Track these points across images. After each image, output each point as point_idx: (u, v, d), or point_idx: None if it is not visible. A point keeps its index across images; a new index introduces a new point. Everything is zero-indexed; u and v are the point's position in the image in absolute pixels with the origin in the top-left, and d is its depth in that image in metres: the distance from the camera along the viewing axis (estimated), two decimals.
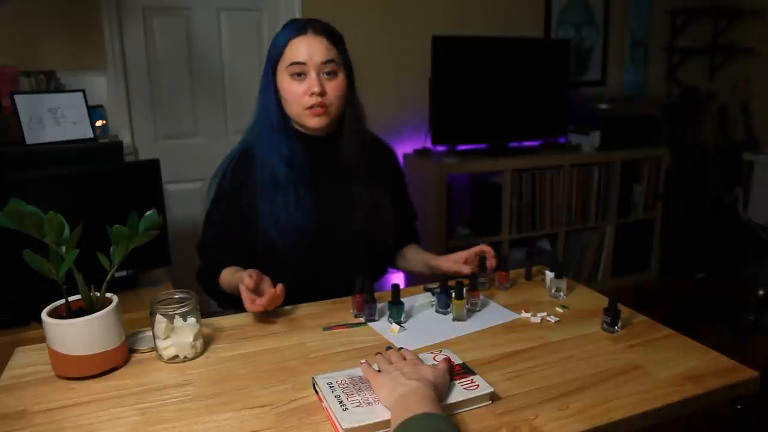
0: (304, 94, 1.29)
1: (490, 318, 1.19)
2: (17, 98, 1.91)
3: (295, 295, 1.27)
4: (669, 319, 1.23)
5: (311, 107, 1.29)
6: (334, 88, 1.30)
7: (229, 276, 1.31)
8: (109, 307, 0.98)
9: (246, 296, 1.11)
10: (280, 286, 1.14)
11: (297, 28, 1.30)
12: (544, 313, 1.20)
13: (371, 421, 0.80)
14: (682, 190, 3.71)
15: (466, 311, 1.19)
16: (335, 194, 1.38)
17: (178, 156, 2.75)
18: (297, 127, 1.37)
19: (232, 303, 1.30)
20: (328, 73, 1.29)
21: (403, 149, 3.06)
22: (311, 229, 1.32)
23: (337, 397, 0.85)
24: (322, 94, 1.29)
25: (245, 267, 1.23)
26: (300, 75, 1.28)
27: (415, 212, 1.60)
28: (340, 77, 1.32)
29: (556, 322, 1.17)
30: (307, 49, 1.27)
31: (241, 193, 1.35)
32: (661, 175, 3.45)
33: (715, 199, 3.93)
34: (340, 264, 1.36)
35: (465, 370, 0.93)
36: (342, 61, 1.32)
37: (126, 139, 2.51)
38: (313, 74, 1.28)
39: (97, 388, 0.94)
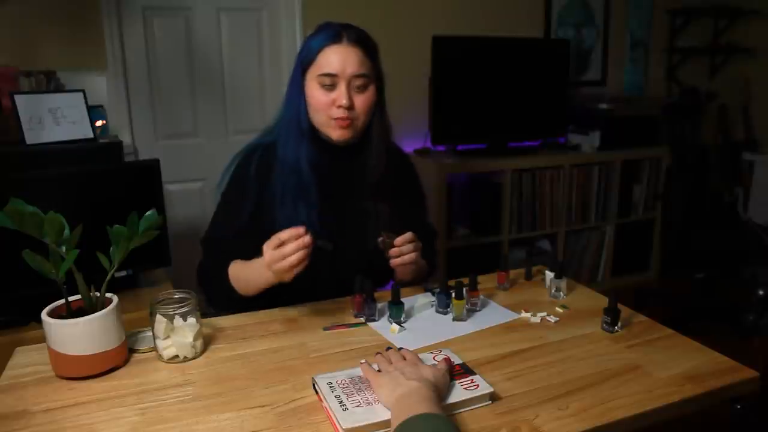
0: (332, 104, 1.24)
1: (490, 318, 1.19)
2: (17, 98, 1.91)
3: (293, 300, 1.26)
4: (669, 319, 1.23)
5: (336, 119, 1.25)
6: (362, 102, 1.26)
7: (239, 267, 1.23)
8: (109, 307, 0.98)
9: (272, 254, 1.06)
10: (304, 234, 1.06)
11: (332, 34, 1.24)
12: (544, 313, 1.20)
13: (371, 421, 0.80)
14: (682, 190, 3.70)
15: (466, 311, 1.19)
16: (352, 209, 1.34)
17: (178, 156, 2.75)
18: (321, 135, 1.32)
19: (228, 303, 1.27)
20: (358, 86, 1.24)
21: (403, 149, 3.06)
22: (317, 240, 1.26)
23: (337, 397, 0.85)
24: (350, 107, 1.24)
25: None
26: (330, 86, 1.23)
27: (435, 231, 1.52)
28: (370, 91, 1.27)
29: (556, 322, 1.17)
30: (340, 59, 1.22)
31: (263, 190, 1.30)
32: (661, 175, 3.45)
33: (715, 199, 3.93)
34: (343, 275, 1.28)
35: (465, 370, 0.93)
36: (374, 74, 1.27)
37: (126, 139, 2.51)
38: (342, 86, 1.23)
39: (97, 388, 0.94)
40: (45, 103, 1.96)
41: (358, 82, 1.24)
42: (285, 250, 1.05)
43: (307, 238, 1.06)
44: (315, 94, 1.25)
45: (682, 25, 3.84)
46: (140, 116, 2.67)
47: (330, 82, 1.23)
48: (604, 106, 3.26)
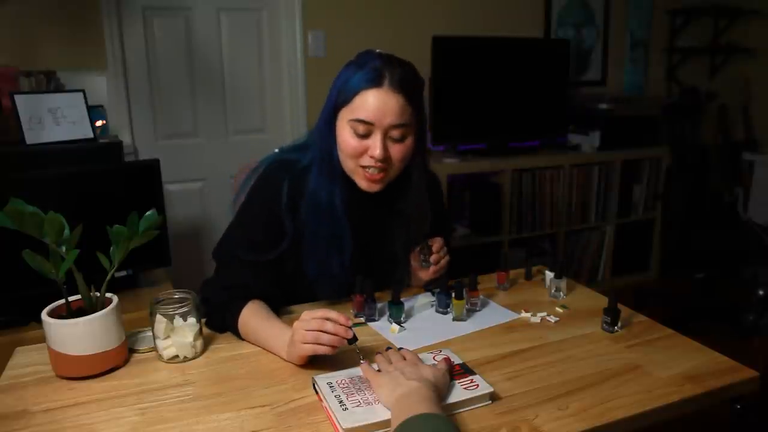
0: (363, 152, 1.14)
1: (490, 318, 1.19)
2: (17, 98, 1.91)
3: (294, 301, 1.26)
4: (669, 319, 1.23)
5: (367, 168, 1.15)
6: (398, 152, 1.15)
7: (252, 317, 1.09)
8: (109, 307, 0.98)
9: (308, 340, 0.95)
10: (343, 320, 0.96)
11: (373, 76, 1.11)
12: (544, 313, 1.20)
13: (371, 421, 0.80)
14: (682, 190, 3.70)
15: (466, 311, 1.19)
16: (383, 254, 1.29)
17: (178, 156, 2.74)
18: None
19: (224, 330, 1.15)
20: (395, 137, 1.14)
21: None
22: (346, 281, 1.22)
23: (337, 397, 0.85)
24: (385, 160, 1.14)
25: (270, 299, 1.14)
26: (363, 135, 1.13)
27: (450, 229, 1.45)
28: (408, 141, 1.16)
29: (556, 322, 1.17)
30: (378, 107, 1.10)
31: (294, 222, 1.20)
32: (661, 175, 3.45)
33: (715, 199, 3.93)
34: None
35: (465, 370, 0.93)
36: (414, 121, 1.16)
37: (126, 139, 2.51)
38: (378, 136, 1.12)
39: (97, 388, 0.94)
40: (45, 103, 1.96)
41: (396, 133, 1.14)
42: (325, 326, 0.94)
43: (347, 332, 0.94)
44: (346, 138, 1.15)
45: (682, 25, 3.84)
46: (140, 116, 2.67)
47: (364, 131, 1.12)
48: (604, 106, 3.26)
